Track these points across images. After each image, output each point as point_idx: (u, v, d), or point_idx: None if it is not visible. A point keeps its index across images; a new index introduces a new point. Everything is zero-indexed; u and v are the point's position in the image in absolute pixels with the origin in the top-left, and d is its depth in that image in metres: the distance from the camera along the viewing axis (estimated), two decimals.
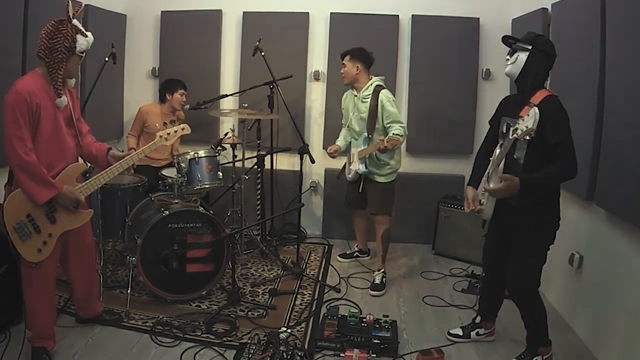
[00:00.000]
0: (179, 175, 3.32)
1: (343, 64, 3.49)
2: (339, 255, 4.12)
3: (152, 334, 2.77)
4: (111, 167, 2.51)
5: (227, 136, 3.87)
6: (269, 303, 3.23)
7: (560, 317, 3.13)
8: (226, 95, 4.14)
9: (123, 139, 4.47)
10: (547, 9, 3.40)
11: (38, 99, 2.19)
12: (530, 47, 2.33)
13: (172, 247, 3.06)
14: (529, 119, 2.12)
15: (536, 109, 2.13)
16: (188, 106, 3.98)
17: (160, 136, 2.71)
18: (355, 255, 4.10)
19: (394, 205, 3.67)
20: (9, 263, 2.57)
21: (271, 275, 3.68)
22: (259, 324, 2.94)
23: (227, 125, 4.12)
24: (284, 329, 2.78)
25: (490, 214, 2.51)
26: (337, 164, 3.98)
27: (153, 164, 4.04)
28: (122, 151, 2.69)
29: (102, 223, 3.18)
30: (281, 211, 4.15)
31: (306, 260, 4.03)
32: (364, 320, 2.84)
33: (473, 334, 2.85)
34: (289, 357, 2.50)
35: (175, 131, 2.75)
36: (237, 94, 4.25)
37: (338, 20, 4.36)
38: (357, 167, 3.52)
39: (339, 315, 2.89)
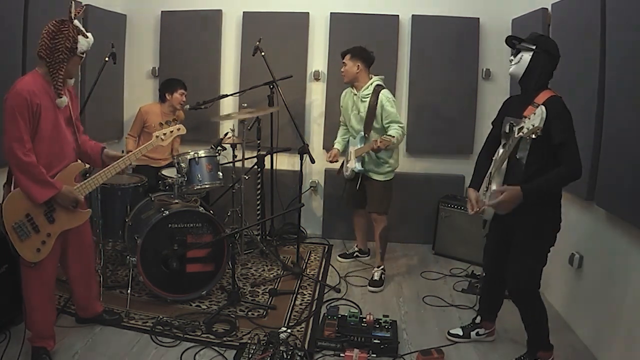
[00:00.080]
0: (179, 175, 3.32)
1: (343, 62, 3.49)
2: (339, 255, 4.12)
3: (152, 334, 2.77)
4: (109, 166, 2.52)
5: (227, 136, 3.87)
6: (269, 303, 3.23)
7: (560, 317, 3.12)
8: (226, 95, 4.14)
9: (123, 139, 4.46)
10: (547, 9, 3.40)
11: (38, 99, 2.20)
12: (534, 47, 2.33)
13: (172, 247, 3.06)
14: (536, 117, 2.11)
15: (543, 107, 2.12)
16: (188, 106, 3.97)
17: (157, 136, 2.72)
18: (355, 255, 4.11)
19: (391, 204, 3.68)
20: (9, 263, 2.57)
21: (271, 275, 3.68)
22: (259, 324, 2.94)
23: (227, 125, 4.12)
24: (284, 329, 2.78)
25: (492, 214, 2.51)
26: (337, 164, 3.97)
27: (153, 164, 4.04)
28: (123, 152, 2.70)
29: (102, 223, 3.18)
30: (281, 211, 4.16)
31: (306, 260, 4.03)
32: (364, 320, 2.84)
33: (473, 334, 2.85)
34: (289, 357, 2.50)
35: (171, 131, 2.76)
36: (237, 94, 4.25)
37: (338, 20, 4.36)
38: (354, 165, 3.54)
39: (339, 315, 2.89)
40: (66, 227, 2.41)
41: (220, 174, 3.53)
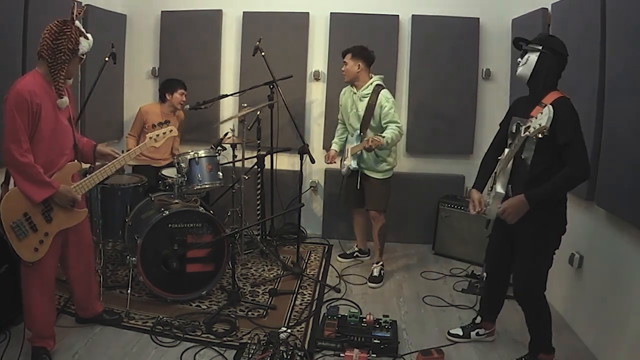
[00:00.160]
0: (179, 175, 3.32)
1: (344, 62, 3.50)
2: (339, 255, 4.12)
3: (152, 334, 2.77)
4: (105, 167, 2.53)
5: (227, 136, 3.87)
6: (269, 303, 3.23)
7: (560, 317, 3.12)
8: (226, 95, 4.14)
9: (123, 139, 4.47)
10: (547, 9, 3.40)
11: (39, 99, 2.20)
12: (540, 48, 2.31)
13: (172, 247, 3.06)
14: (543, 116, 2.11)
15: (550, 107, 2.11)
16: (188, 106, 3.98)
17: (150, 137, 2.76)
18: (355, 255, 4.11)
19: (389, 202, 3.70)
20: (9, 263, 2.57)
21: (271, 275, 3.68)
22: (259, 324, 2.94)
23: (227, 125, 4.13)
24: (284, 329, 2.78)
25: (495, 214, 2.48)
26: (336, 165, 3.98)
27: (153, 164, 4.04)
28: (123, 151, 2.70)
29: (102, 223, 3.18)
30: (281, 211, 4.15)
31: (306, 260, 4.03)
32: (364, 320, 2.84)
33: (473, 334, 2.85)
34: (289, 357, 2.50)
35: (164, 133, 2.78)
36: (237, 94, 4.25)
37: (338, 20, 4.36)
38: (349, 163, 3.58)
39: (339, 315, 2.89)
40: (63, 226, 2.41)
41: (220, 174, 3.53)
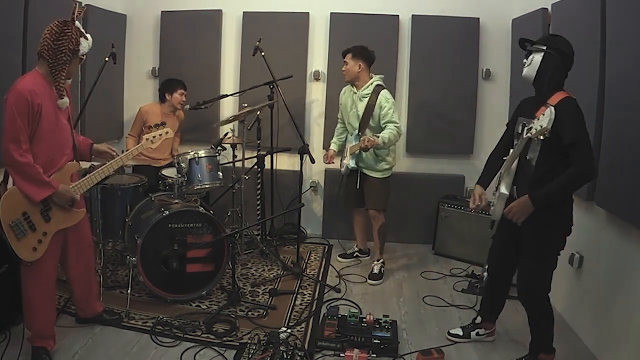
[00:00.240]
0: (179, 175, 3.32)
1: (345, 61, 3.51)
2: (339, 256, 4.12)
3: (152, 334, 2.77)
4: (103, 167, 2.54)
5: (227, 136, 3.87)
6: (269, 303, 3.22)
7: (560, 317, 3.12)
8: (226, 95, 4.14)
9: (123, 139, 4.46)
10: (547, 9, 3.40)
11: (40, 99, 2.20)
12: (544, 48, 2.30)
13: (172, 247, 3.06)
14: (544, 118, 2.10)
15: (552, 108, 2.11)
16: (188, 106, 3.98)
17: (147, 139, 2.77)
18: (355, 255, 4.11)
19: (388, 202, 3.72)
20: (9, 263, 2.57)
21: (271, 275, 3.68)
22: (259, 324, 2.94)
23: (227, 126, 4.13)
24: (284, 329, 2.78)
25: (499, 215, 2.48)
26: (337, 164, 3.98)
27: (153, 164, 4.04)
28: (123, 151, 2.71)
29: (102, 223, 3.18)
30: (281, 211, 4.15)
31: (306, 260, 4.03)
32: (364, 320, 2.84)
33: (473, 334, 2.85)
34: (289, 357, 2.50)
35: (160, 135, 2.80)
36: (237, 94, 4.25)
37: (338, 20, 4.36)
38: (348, 162, 3.60)
39: (339, 315, 2.89)
40: (62, 226, 2.41)
41: (220, 174, 3.53)
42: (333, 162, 3.80)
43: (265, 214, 4.22)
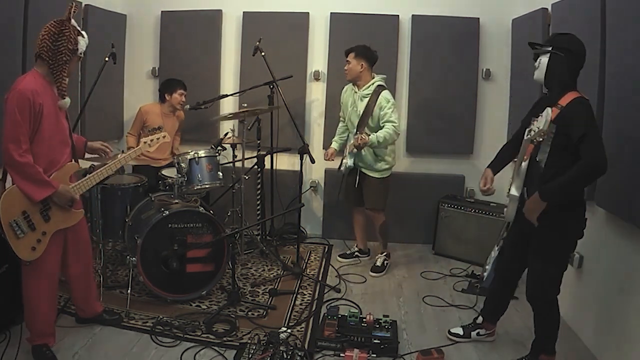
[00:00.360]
0: (179, 175, 3.32)
1: (347, 60, 3.52)
2: (339, 256, 4.12)
3: (152, 334, 2.77)
4: (102, 168, 2.55)
5: (227, 136, 3.88)
6: (269, 303, 3.22)
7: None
8: (226, 95, 4.14)
9: (123, 139, 4.47)
10: (547, 9, 3.40)
11: (41, 99, 2.21)
12: (550, 48, 2.29)
13: (172, 247, 3.06)
14: (541, 120, 2.09)
15: (549, 109, 2.09)
16: (188, 106, 3.98)
17: (145, 142, 2.79)
18: (355, 255, 4.11)
19: (387, 201, 3.74)
20: (9, 263, 2.56)
21: (271, 275, 3.68)
22: (259, 324, 2.94)
23: (227, 125, 4.12)
24: (284, 329, 2.78)
25: (513, 216, 2.46)
26: (337, 164, 3.98)
27: (153, 164, 4.04)
28: (123, 151, 2.71)
29: (102, 223, 3.18)
30: (281, 211, 4.15)
31: (306, 260, 4.03)
32: (364, 320, 2.84)
33: (474, 334, 2.85)
34: (289, 357, 2.50)
35: (157, 139, 2.83)
36: (237, 94, 4.25)
37: (338, 20, 4.35)
38: (347, 160, 3.63)
39: (339, 315, 2.89)
40: (61, 226, 2.41)
41: (220, 174, 3.53)
42: (333, 160, 3.82)
43: (265, 214, 4.22)
